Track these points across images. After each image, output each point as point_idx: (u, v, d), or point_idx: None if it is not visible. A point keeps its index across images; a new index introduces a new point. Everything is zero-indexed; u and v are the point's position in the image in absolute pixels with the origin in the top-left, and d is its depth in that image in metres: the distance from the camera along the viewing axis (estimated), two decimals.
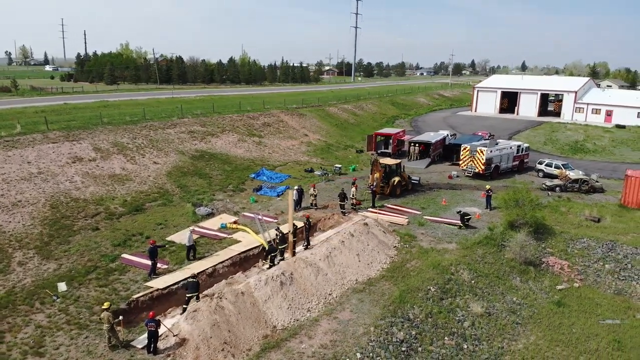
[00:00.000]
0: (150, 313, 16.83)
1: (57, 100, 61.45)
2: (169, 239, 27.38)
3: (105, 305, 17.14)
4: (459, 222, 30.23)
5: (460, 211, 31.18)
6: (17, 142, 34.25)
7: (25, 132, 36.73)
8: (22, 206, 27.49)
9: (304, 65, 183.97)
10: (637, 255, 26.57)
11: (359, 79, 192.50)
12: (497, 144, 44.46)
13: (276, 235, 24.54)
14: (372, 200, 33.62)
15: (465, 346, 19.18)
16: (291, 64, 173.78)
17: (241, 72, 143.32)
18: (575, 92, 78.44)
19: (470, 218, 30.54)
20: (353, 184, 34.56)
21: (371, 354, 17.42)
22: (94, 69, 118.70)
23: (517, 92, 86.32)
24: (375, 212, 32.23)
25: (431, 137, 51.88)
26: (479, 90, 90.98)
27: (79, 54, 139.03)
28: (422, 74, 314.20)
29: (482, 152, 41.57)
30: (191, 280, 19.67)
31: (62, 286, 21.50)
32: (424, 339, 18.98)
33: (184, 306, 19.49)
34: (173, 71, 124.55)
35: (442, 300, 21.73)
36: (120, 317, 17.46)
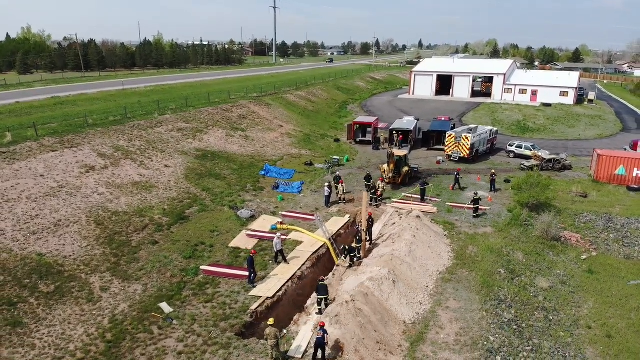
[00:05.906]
0: (321, 322, 17.51)
1: (5, 99, 54.78)
2: (231, 245, 27.36)
3: (270, 321, 17.45)
4: (474, 207, 32.77)
5: (476, 193, 34.05)
6: (15, 153, 31.21)
7: (16, 140, 33.33)
8: (66, 226, 25.65)
9: (225, 46, 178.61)
10: (632, 224, 31.91)
11: (281, 60, 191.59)
12: (476, 129, 48.76)
13: (357, 235, 25.86)
14: (421, 194, 35.24)
15: (551, 317, 22.39)
16: (213, 45, 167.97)
17: (164, 55, 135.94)
18: (504, 74, 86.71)
19: (479, 206, 33.21)
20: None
21: (497, 335, 19.89)
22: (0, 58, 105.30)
23: (451, 75, 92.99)
24: (403, 203, 34.49)
25: (405, 124, 54.94)
26: (416, 74, 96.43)
27: None
28: (332, 53, 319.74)
29: (467, 138, 45.51)
30: (321, 283, 20.48)
31: (165, 307, 21.06)
32: (522, 315, 21.86)
33: (318, 307, 20.32)
34: (91, 57, 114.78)
35: (513, 280, 24.81)
36: (285, 331, 17.90)
